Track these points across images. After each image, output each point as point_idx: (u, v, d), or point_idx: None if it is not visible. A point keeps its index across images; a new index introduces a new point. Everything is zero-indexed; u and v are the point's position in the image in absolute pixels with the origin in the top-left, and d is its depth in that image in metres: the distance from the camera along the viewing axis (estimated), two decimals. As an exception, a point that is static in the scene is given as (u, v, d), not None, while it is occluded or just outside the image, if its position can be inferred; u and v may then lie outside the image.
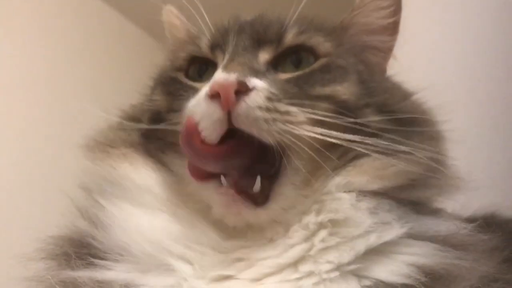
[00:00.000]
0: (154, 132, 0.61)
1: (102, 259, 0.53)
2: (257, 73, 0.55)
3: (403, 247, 0.52)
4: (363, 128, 0.54)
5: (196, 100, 0.54)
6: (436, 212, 0.58)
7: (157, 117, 0.61)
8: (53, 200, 0.69)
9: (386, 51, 0.70)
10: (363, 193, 0.54)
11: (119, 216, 0.56)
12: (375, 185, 0.54)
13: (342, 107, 0.56)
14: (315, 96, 0.56)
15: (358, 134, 0.53)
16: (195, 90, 0.58)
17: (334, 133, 0.52)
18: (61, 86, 1.82)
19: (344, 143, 0.53)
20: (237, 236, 0.54)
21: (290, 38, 0.61)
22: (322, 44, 0.62)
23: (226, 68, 0.53)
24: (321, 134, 0.52)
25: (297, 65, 0.61)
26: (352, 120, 0.54)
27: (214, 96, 0.51)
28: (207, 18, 0.64)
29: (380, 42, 0.70)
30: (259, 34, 0.61)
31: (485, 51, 1.05)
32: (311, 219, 0.53)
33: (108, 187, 0.59)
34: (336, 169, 0.56)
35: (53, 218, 0.61)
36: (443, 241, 0.53)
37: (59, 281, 0.52)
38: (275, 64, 0.60)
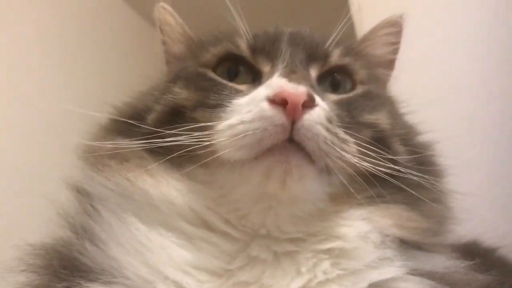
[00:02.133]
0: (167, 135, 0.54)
1: (91, 280, 0.49)
2: (315, 91, 0.54)
3: (400, 282, 0.52)
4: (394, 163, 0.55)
5: (249, 99, 0.53)
6: (433, 246, 0.58)
7: (176, 113, 0.57)
8: (36, 206, 0.63)
9: (385, 85, 0.73)
10: (376, 230, 0.54)
11: (119, 230, 0.52)
12: (392, 231, 0.55)
13: (380, 137, 0.57)
14: (362, 122, 0.57)
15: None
16: (233, 90, 0.56)
17: (379, 164, 0.53)
18: (50, 83, 1.65)
19: (386, 176, 0.54)
20: (247, 256, 0.52)
21: (335, 58, 0.61)
22: (360, 70, 0.63)
23: (289, 78, 0.53)
24: (369, 164, 0.53)
25: (335, 87, 0.61)
26: (389, 157, 0.55)
27: (278, 103, 0.49)
28: (243, 19, 0.61)
29: (384, 75, 0.72)
30: (311, 49, 0.61)
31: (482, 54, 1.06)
32: (321, 246, 0.52)
33: (115, 199, 0.54)
34: (363, 204, 0.56)
35: (36, 224, 0.56)
36: (440, 279, 0.53)
37: None
38: (318, 83, 0.60)
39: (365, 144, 0.54)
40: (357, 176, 0.53)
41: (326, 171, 0.52)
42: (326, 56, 0.61)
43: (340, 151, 0.51)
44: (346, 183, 0.53)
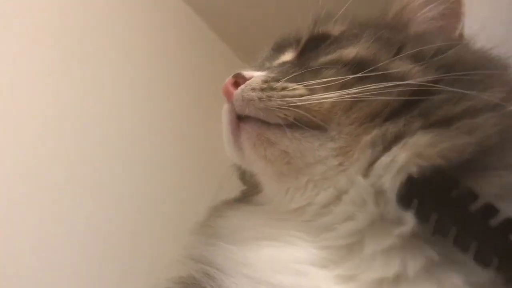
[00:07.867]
0: None
1: None
2: (262, 68, 0.61)
3: None
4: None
5: None
6: None
7: None
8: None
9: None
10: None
11: (223, 262, 0.51)
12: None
13: (355, 66, 0.53)
14: (318, 66, 0.56)
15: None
16: None
17: (345, 92, 0.50)
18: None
19: (364, 97, 0.48)
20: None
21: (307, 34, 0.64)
22: (334, 27, 0.63)
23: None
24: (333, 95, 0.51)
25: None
26: (360, 74, 0.50)
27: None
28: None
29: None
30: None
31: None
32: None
33: (217, 237, 0.57)
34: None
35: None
36: None
37: None
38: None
39: (323, 83, 0.52)
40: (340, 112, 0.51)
41: (294, 124, 0.52)
42: (299, 39, 0.65)
43: (280, 99, 0.51)
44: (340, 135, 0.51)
